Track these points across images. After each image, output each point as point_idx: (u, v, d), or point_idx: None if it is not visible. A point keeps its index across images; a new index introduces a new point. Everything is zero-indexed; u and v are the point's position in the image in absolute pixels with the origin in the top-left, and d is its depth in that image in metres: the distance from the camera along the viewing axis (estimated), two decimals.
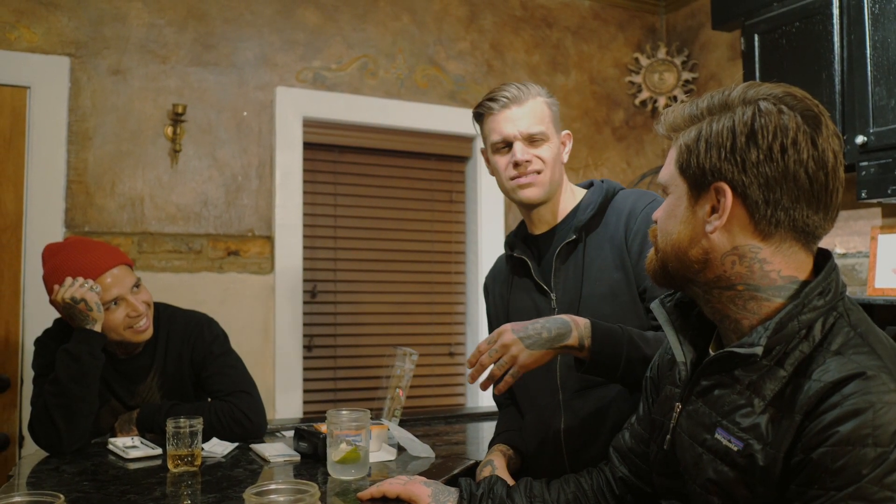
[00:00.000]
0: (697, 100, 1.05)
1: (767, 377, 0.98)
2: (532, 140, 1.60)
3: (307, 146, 3.11)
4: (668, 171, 1.07)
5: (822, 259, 1.03)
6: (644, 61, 3.74)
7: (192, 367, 2.10)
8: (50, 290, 1.95)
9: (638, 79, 3.75)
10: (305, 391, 3.07)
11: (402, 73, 3.28)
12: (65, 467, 1.72)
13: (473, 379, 1.43)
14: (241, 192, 2.97)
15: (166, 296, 2.36)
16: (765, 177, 0.97)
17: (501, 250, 1.81)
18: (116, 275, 1.97)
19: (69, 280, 1.90)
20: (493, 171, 1.68)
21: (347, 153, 3.24)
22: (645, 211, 1.56)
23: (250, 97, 3.00)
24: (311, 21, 3.12)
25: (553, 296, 1.61)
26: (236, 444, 1.92)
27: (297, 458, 1.78)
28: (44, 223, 2.65)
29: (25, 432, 2.50)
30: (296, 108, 3.06)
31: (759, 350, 0.96)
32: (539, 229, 1.69)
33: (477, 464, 1.65)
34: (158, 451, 1.81)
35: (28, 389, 2.41)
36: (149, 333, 2.03)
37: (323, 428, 1.75)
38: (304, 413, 3.03)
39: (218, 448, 1.86)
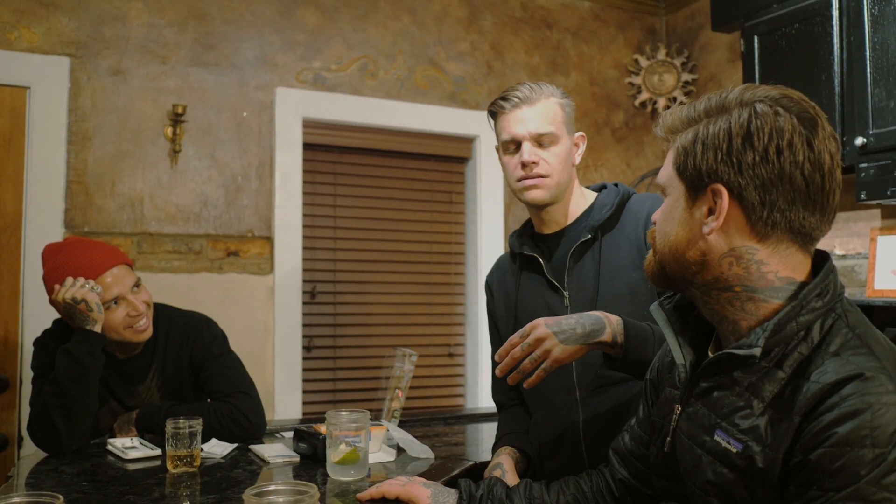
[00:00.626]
0: (695, 102, 1.05)
1: (766, 379, 0.98)
2: (541, 141, 1.60)
3: (307, 147, 3.11)
4: (666, 172, 1.07)
5: (820, 261, 1.03)
6: (644, 62, 3.74)
7: (192, 368, 2.10)
8: (50, 290, 1.94)
9: (637, 80, 3.75)
10: (305, 392, 3.07)
11: (401, 73, 3.28)
12: (64, 468, 1.72)
13: (503, 372, 1.41)
14: (240, 192, 2.97)
15: (166, 296, 2.36)
16: (761, 178, 0.97)
17: (501, 251, 1.81)
18: (117, 274, 1.97)
19: (70, 280, 1.90)
20: (504, 169, 1.69)
21: (347, 154, 3.25)
22: None
23: (250, 98, 3.00)
24: (311, 21, 3.12)
25: (566, 294, 1.61)
26: (235, 445, 1.92)
27: (297, 458, 1.78)
28: (43, 223, 2.65)
29: (24, 433, 2.50)
30: (296, 108, 3.06)
31: (757, 351, 0.96)
32: (549, 229, 1.69)
33: (476, 465, 1.65)
34: (157, 451, 1.81)
35: (27, 390, 2.41)
36: (149, 333, 2.03)
37: (322, 429, 1.75)
38: (304, 414, 3.03)
39: (217, 449, 1.86)
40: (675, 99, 3.71)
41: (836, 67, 2.56)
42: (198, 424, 1.70)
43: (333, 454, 1.59)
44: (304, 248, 3.09)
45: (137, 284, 2.01)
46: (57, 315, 2.04)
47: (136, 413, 2.01)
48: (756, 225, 0.99)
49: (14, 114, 2.66)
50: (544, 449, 1.66)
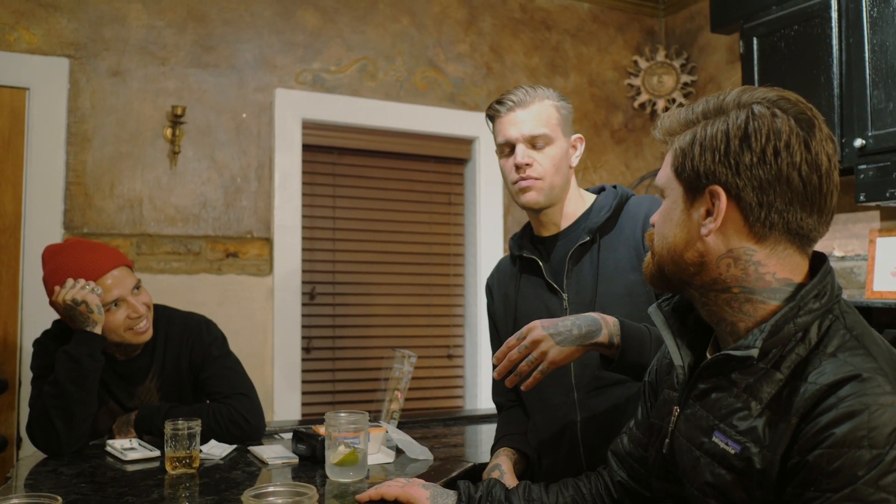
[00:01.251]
0: (693, 105, 1.06)
1: (764, 380, 0.98)
2: (534, 143, 1.61)
3: (306, 148, 3.12)
4: (665, 174, 1.07)
5: (818, 262, 1.04)
6: (643, 64, 3.75)
7: (191, 369, 2.09)
8: (50, 292, 1.94)
9: (637, 81, 3.75)
10: (304, 393, 3.07)
11: (401, 75, 3.28)
12: (63, 469, 1.72)
13: (500, 375, 1.42)
14: (240, 193, 2.97)
15: (165, 297, 2.36)
16: (758, 179, 0.97)
17: (500, 252, 1.81)
18: (117, 276, 1.97)
19: (70, 282, 1.90)
20: (502, 173, 1.70)
21: (346, 155, 3.25)
22: None
23: (249, 99, 3.00)
24: (311, 23, 3.12)
25: (565, 296, 1.62)
26: (234, 446, 1.92)
27: (296, 460, 1.78)
28: (42, 224, 2.65)
29: (23, 434, 2.50)
30: (295, 109, 3.06)
31: (754, 352, 0.97)
32: (548, 231, 1.70)
33: (475, 466, 1.65)
34: (156, 453, 1.81)
35: (26, 391, 2.41)
36: (149, 335, 2.03)
37: (321, 430, 1.75)
38: (303, 415, 3.03)
39: (216, 450, 1.86)
40: (674, 100, 3.71)
41: (835, 69, 2.56)
42: (197, 426, 1.70)
43: (332, 455, 1.59)
44: (304, 250, 3.09)
45: (138, 286, 2.01)
46: (56, 316, 2.04)
47: (135, 414, 2.01)
48: (754, 226, 0.99)
49: (13, 115, 2.66)
50: (542, 450, 1.66)
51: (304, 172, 3.09)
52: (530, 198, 1.62)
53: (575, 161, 1.68)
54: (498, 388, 1.83)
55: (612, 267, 1.58)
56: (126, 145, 2.81)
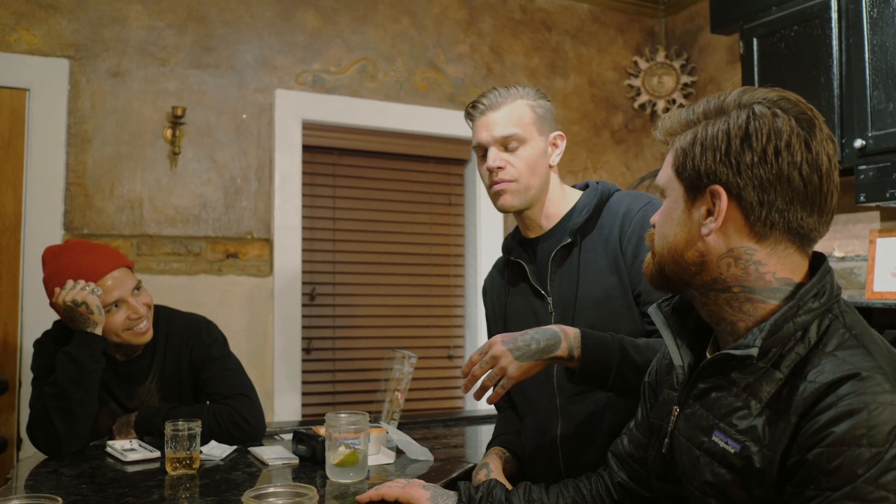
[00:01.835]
0: (693, 105, 1.06)
1: (764, 379, 0.98)
2: (506, 144, 1.57)
3: (306, 149, 3.12)
4: (665, 174, 1.08)
5: (817, 262, 1.04)
6: (643, 64, 3.75)
7: (191, 370, 2.10)
8: (50, 293, 1.95)
9: (637, 82, 3.76)
10: (304, 394, 3.07)
11: (401, 75, 3.28)
12: (63, 470, 1.72)
13: (466, 389, 1.45)
14: (240, 194, 2.97)
15: (165, 298, 2.36)
16: (759, 179, 0.97)
17: (500, 253, 1.80)
18: (117, 277, 1.97)
19: (70, 283, 1.90)
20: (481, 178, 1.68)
21: (346, 156, 3.25)
22: (640, 213, 1.54)
23: (249, 100, 3.00)
24: (311, 24, 3.12)
25: (550, 299, 1.60)
26: (235, 447, 1.92)
27: (296, 461, 1.78)
28: (42, 225, 2.65)
29: (24, 435, 2.50)
30: (295, 110, 3.07)
31: (754, 352, 0.97)
32: (533, 233, 1.67)
33: (475, 467, 1.65)
34: (157, 453, 1.81)
35: (26, 392, 2.41)
36: (149, 336, 2.03)
37: (321, 431, 1.75)
38: (303, 416, 3.03)
39: (216, 451, 1.86)
40: (674, 101, 3.71)
41: (836, 70, 2.56)
42: (197, 426, 1.70)
43: (333, 456, 1.59)
44: (304, 250, 3.09)
45: (138, 287, 2.02)
46: (57, 317, 2.04)
47: (136, 415, 2.01)
48: (755, 225, 0.99)
49: (13, 116, 2.66)
50: (528, 452, 1.67)
51: (304, 173, 3.09)
52: (505, 201, 1.59)
53: (555, 159, 1.63)
54: None
55: (594, 269, 1.56)
56: (126, 146, 2.81)
